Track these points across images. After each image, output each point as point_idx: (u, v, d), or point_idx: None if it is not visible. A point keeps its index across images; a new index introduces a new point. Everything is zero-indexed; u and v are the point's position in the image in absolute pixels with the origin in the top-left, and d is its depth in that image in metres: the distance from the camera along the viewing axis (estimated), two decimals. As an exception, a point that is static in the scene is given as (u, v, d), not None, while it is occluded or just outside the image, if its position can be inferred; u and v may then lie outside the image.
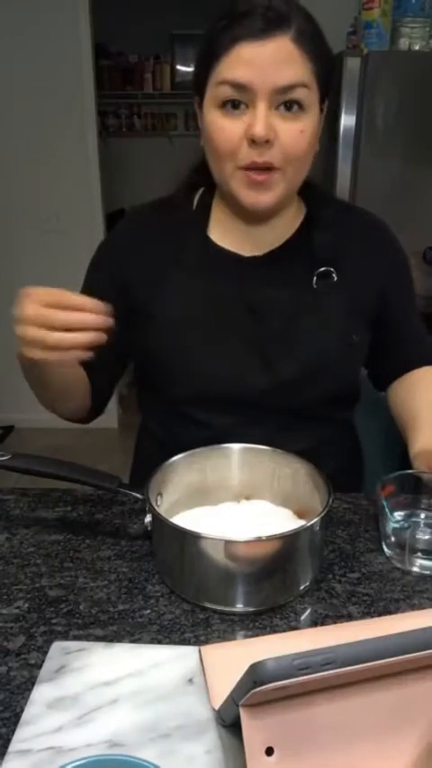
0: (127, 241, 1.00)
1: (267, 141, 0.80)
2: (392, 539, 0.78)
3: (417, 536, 0.80)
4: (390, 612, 0.72)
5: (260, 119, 0.78)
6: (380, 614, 0.72)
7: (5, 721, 0.58)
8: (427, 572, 0.77)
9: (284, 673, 0.43)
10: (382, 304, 1.00)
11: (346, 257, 0.96)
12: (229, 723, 0.52)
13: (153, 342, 0.95)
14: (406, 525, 0.81)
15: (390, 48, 2.09)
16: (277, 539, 0.70)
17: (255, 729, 0.47)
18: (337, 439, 1.05)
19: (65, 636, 0.68)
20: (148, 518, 0.76)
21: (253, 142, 0.80)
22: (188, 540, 0.71)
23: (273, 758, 0.47)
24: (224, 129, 0.81)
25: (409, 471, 0.86)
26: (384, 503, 0.78)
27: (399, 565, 0.79)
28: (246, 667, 0.45)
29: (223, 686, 0.53)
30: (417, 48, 2.07)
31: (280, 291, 0.94)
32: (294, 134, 0.81)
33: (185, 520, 0.78)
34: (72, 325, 0.69)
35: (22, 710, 0.59)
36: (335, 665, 0.44)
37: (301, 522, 0.79)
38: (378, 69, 2.02)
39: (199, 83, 0.85)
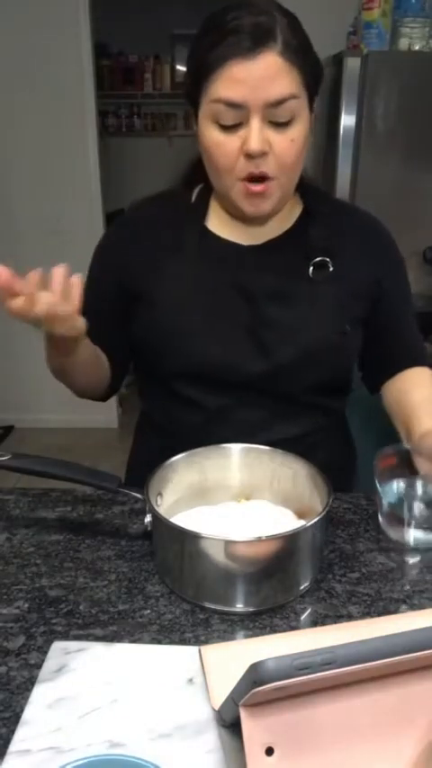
0: (126, 234, 1.03)
1: (263, 154, 0.84)
2: (386, 508, 0.78)
3: (413, 508, 0.79)
4: (390, 612, 0.72)
5: (255, 134, 0.82)
6: (380, 614, 0.72)
7: (5, 721, 0.58)
8: (422, 545, 0.76)
9: (284, 673, 0.43)
10: (377, 300, 1.01)
11: (342, 251, 0.98)
12: (229, 723, 0.52)
13: (151, 326, 0.98)
14: (401, 496, 0.80)
15: (390, 48, 2.08)
16: (277, 539, 0.70)
17: (255, 729, 0.47)
18: (328, 428, 1.07)
19: (65, 636, 0.68)
20: (148, 518, 0.76)
21: (249, 156, 0.84)
22: (188, 540, 0.71)
23: (273, 758, 0.47)
24: (221, 144, 0.85)
25: (408, 446, 0.86)
26: (379, 475, 0.77)
27: (393, 537, 0.78)
28: (246, 667, 0.45)
29: (223, 686, 0.53)
30: (417, 48, 2.06)
31: (276, 279, 0.96)
32: (286, 144, 0.85)
33: (185, 520, 0.79)
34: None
35: (22, 710, 0.59)
36: (335, 665, 0.44)
37: (301, 522, 0.79)
38: (378, 69, 2.01)
39: (191, 96, 0.88)
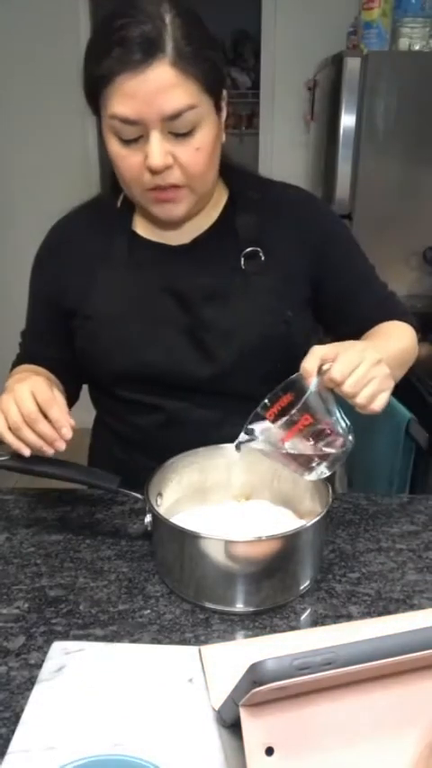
0: (54, 250, 1.02)
1: (167, 167, 0.82)
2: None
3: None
4: (390, 612, 0.72)
5: (154, 150, 0.80)
6: (380, 614, 0.72)
7: (5, 721, 0.58)
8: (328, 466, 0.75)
9: (284, 673, 0.43)
10: (320, 277, 0.98)
11: (272, 237, 0.95)
12: (229, 723, 0.52)
13: (91, 338, 0.96)
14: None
15: (390, 48, 2.08)
16: (277, 539, 0.70)
17: (255, 729, 0.47)
18: None
19: (65, 636, 0.68)
20: (148, 518, 0.76)
21: (153, 171, 0.82)
22: (188, 540, 0.71)
23: (273, 758, 0.47)
24: (125, 158, 0.83)
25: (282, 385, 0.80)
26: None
27: (309, 477, 0.76)
28: (246, 667, 0.45)
29: (223, 686, 0.53)
30: (417, 48, 2.06)
31: (209, 278, 0.94)
32: (191, 153, 0.82)
33: (185, 520, 0.79)
34: (40, 434, 0.78)
35: (22, 710, 0.59)
36: (335, 665, 0.44)
37: (301, 522, 0.79)
38: (378, 69, 2.01)
39: (90, 105, 0.86)
